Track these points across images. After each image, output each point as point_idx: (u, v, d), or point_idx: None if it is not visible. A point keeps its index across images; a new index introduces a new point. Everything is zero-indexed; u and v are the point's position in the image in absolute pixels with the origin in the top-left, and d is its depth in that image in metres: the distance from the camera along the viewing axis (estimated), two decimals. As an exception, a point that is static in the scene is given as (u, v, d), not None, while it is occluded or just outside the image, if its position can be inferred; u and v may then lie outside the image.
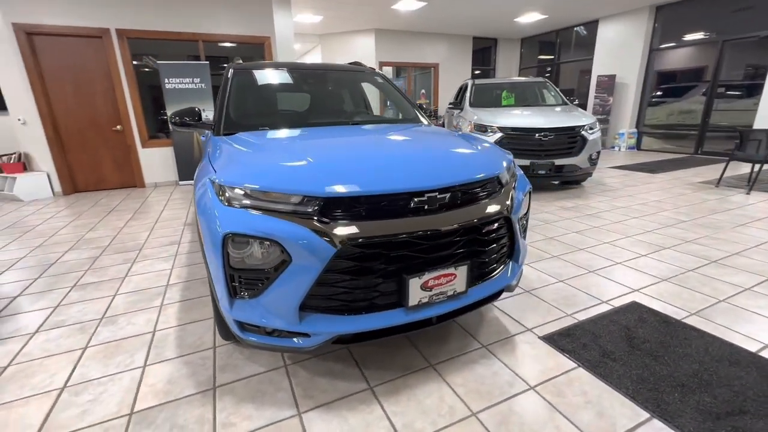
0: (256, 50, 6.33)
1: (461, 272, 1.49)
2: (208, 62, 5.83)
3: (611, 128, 8.94)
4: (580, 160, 4.68)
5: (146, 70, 5.80)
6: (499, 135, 4.68)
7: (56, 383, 1.65)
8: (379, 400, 1.50)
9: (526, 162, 4.62)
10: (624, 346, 1.79)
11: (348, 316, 1.39)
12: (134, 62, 5.60)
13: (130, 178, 6.01)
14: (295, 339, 1.40)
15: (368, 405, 1.48)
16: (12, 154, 5.45)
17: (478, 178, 1.54)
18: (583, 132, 4.65)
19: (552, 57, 10.58)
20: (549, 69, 10.71)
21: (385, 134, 1.97)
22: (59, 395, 1.58)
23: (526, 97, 5.97)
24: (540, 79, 6.08)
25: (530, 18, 8.77)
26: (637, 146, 8.75)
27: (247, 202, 1.36)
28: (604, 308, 2.13)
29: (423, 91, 10.58)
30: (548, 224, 3.63)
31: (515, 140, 4.65)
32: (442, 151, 1.72)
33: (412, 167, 1.49)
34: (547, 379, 1.60)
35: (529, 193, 1.91)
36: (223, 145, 1.83)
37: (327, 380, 1.62)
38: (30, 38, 5.04)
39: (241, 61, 2.69)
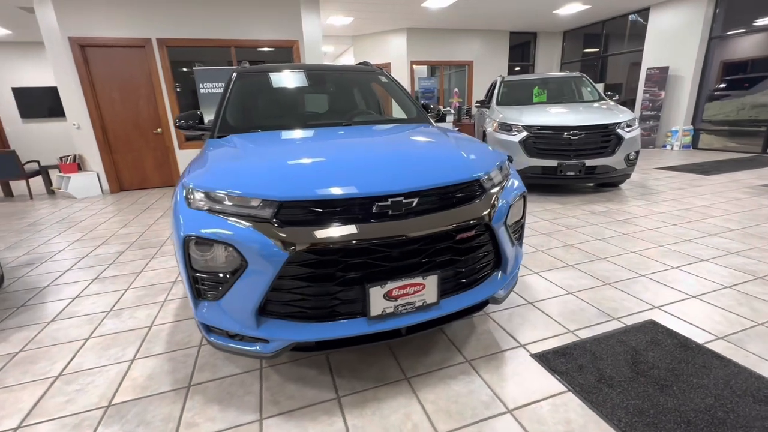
0: (285, 53, 6.50)
1: (430, 282, 1.39)
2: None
3: (662, 125, 8.18)
4: (614, 161, 4.31)
5: (186, 71, 6.15)
6: (524, 134, 4.43)
7: (53, 371, 1.77)
8: (343, 412, 1.45)
9: (554, 163, 4.33)
10: (626, 371, 1.59)
11: (306, 324, 1.35)
12: (184, 69, 5.97)
13: (168, 177, 6.41)
14: (255, 344, 1.38)
15: (331, 416, 1.43)
16: (68, 155, 6.02)
17: (452, 182, 1.44)
18: (618, 130, 4.27)
19: (597, 50, 9.88)
20: (594, 63, 10.02)
21: (368, 136, 1.91)
22: (53, 383, 1.68)
23: (559, 94, 5.60)
24: (575, 73, 5.68)
25: (571, 9, 8.25)
26: (693, 145, 7.93)
27: (209, 205, 1.36)
28: (614, 326, 1.92)
29: (456, 89, 10.32)
30: (571, 230, 3.36)
31: (542, 139, 4.37)
32: (419, 154, 1.63)
33: (380, 170, 1.42)
34: (529, 403, 1.45)
35: (523, 197, 1.76)
36: (209, 148, 1.86)
37: (297, 386, 1.60)
38: (83, 50, 5.53)
39: (247, 65, 2.75)
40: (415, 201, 1.37)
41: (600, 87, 8.85)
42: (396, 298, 1.37)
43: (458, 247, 1.46)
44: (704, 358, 1.65)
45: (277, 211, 1.30)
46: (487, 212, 1.49)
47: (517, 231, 1.77)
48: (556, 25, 9.92)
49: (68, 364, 1.82)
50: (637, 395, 1.46)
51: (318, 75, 2.63)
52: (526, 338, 1.85)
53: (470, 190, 1.51)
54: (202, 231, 1.31)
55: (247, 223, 1.29)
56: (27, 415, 1.50)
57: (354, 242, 1.28)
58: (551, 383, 1.55)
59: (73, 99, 5.67)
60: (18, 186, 6.97)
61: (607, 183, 4.89)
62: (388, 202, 1.33)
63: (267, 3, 6.08)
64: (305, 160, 1.52)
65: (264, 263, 1.26)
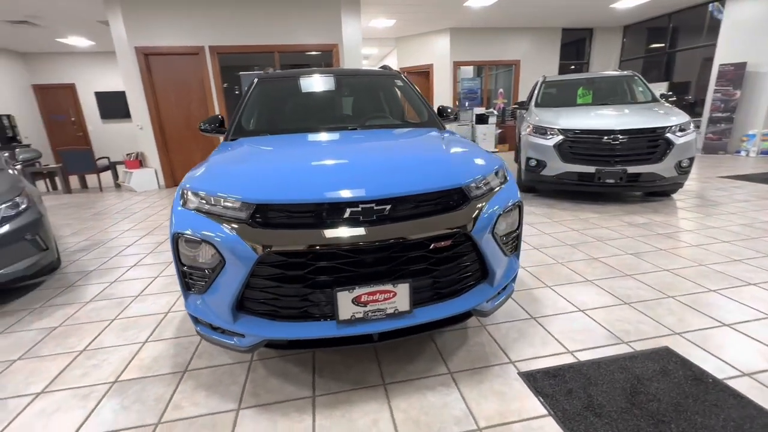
0: (326, 57, 6.71)
1: (402, 290, 1.38)
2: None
3: (736, 128, 7.28)
4: (662, 168, 3.92)
5: (234, 76, 6.58)
6: (559, 138, 4.18)
7: (79, 347, 2.00)
8: (314, 411, 1.48)
9: (591, 169, 4.03)
10: (621, 400, 1.46)
11: (278, 322, 1.41)
12: (242, 72, 6.41)
13: (215, 175, 6.89)
14: (233, 338, 1.46)
15: (301, 414, 1.48)
16: (132, 153, 6.71)
17: (428, 190, 1.41)
18: (668, 134, 3.88)
19: (663, 45, 9.02)
20: (659, 60, 9.15)
21: (363, 142, 1.92)
22: (76, 357, 1.91)
23: (608, 94, 5.20)
24: (626, 72, 5.24)
25: (630, 2, 7.61)
26: (775, 151, 6.96)
27: (199, 205, 1.47)
28: (622, 350, 1.76)
29: (501, 90, 9.98)
30: (600, 242, 3.12)
31: (579, 144, 4.09)
32: (403, 160, 1.61)
33: (356, 176, 1.44)
34: (503, 423, 1.39)
35: (518, 207, 1.68)
36: (215, 151, 1.99)
37: (278, 381, 1.66)
38: (146, 58, 6.12)
39: (271, 70, 2.88)
40: (388, 208, 1.37)
41: (663, 86, 8.08)
42: (365, 304, 1.38)
43: (434, 256, 1.44)
44: (718, 395, 1.47)
45: (253, 213, 1.36)
46: (467, 222, 1.44)
47: (511, 242, 1.69)
48: (614, 20, 9.21)
49: (92, 341, 2.04)
50: (626, 429, 1.34)
51: (333, 80, 2.70)
52: (519, 355, 1.76)
53: (449, 199, 1.47)
54: (189, 229, 1.41)
55: (227, 224, 1.37)
56: (50, 383, 1.72)
57: (321, 246, 1.31)
58: (533, 405, 1.47)
59: (137, 102, 6.30)
60: (92, 179, 7.88)
61: (656, 192, 4.46)
62: (359, 208, 1.35)
63: (309, 9, 6.31)
64: (291, 164, 1.57)
65: (238, 262, 1.33)
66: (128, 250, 3.48)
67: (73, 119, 10.36)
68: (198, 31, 6.10)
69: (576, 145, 4.11)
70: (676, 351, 1.73)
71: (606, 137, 3.95)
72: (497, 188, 1.63)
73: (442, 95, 9.67)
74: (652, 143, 3.91)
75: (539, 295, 2.30)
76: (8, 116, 8.44)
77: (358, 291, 1.35)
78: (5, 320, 2.31)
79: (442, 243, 1.42)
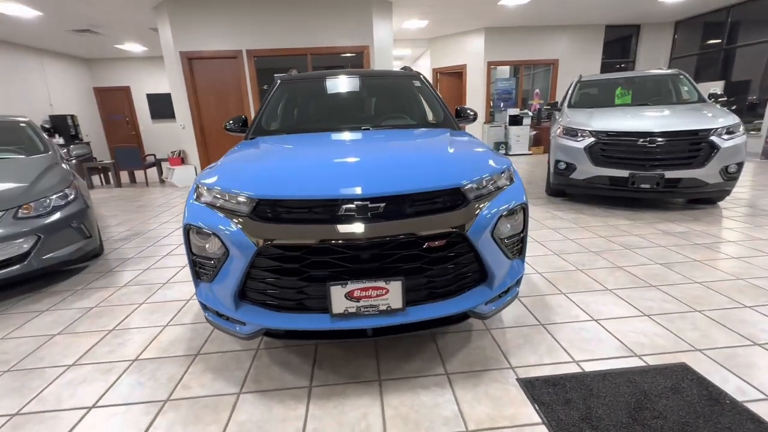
0: (356, 59, 6.82)
1: (394, 287, 1.40)
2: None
3: (804, 131, 6.58)
4: (705, 173, 3.64)
5: (268, 78, 6.85)
6: (590, 140, 3.99)
7: (110, 326, 2.18)
8: (309, 400, 1.54)
9: (625, 173, 3.82)
10: (622, 414, 1.39)
11: (276, 313, 1.47)
12: (276, 74, 6.70)
13: (249, 172, 7.21)
14: (236, 325, 1.55)
15: (297, 402, 1.53)
16: (175, 151, 7.17)
17: (424, 189, 1.42)
18: (713, 137, 3.60)
19: (719, 41, 8.34)
20: (716, 57, 8.47)
21: (370, 141, 1.95)
22: (105, 335, 2.09)
23: (649, 94, 4.89)
24: (671, 71, 4.90)
25: (682, -4, 7.11)
26: None
27: (209, 199, 1.57)
28: (633, 363, 1.67)
29: (537, 90, 9.65)
30: (628, 250, 2.96)
31: (612, 146, 3.89)
32: (403, 160, 1.63)
33: (354, 174, 1.47)
34: (493, 428, 1.37)
35: (522, 209, 1.65)
36: (232, 150, 2.10)
37: (280, 370, 1.73)
38: (190, 62, 6.52)
39: (294, 72, 2.99)
40: (382, 206, 1.40)
41: (718, 85, 7.46)
42: (358, 299, 1.41)
43: (429, 255, 1.44)
44: (735, 418, 1.36)
45: (254, 208, 1.44)
46: (463, 222, 1.43)
47: (515, 245, 1.66)
48: (664, 15, 8.64)
49: (121, 322, 2.23)
50: (623, 444, 1.27)
51: (351, 81, 2.75)
52: (521, 361, 1.72)
53: (446, 199, 1.47)
54: (198, 222, 1.51)
55: (232, 217, 1.45)
56: (80, 357, 1.90)
57: (315, 241, 1.36)
58: (527, 412, 1.43)
59: (180, 103, 6.73)
60: (140, 175, 8.49)
61: (699, 199, 4.15)
62: (354, 206, 1.38)
63: (340, 12, 6.45)
64: (294, 162, 1.64)
65: (239, 253, 1.41)
66: (163, 241, 3.74)
67: (127, 119, 11.23)
68: (237, 36, 6.42)
69: (608, 147, 3.91)
70: (694, 368, 1.62)
71: (642, 139, 3.73)
72: (500, 189, 1.61)
73: (475, 96, 9.51)
74: (693, 146, 3.64)
75: (552, 302, 2.23)
76: (72, 116, 9.28)
77: (351, 286, 1.39)
78: (52, 299, 2.56)
79: (436, 243, 1.43)
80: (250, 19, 6.35)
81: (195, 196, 1.63)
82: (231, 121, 2.68)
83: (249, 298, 1.53)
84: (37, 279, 2.89)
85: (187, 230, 1.56)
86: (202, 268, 1.58)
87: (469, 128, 9.80)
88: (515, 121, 9.18)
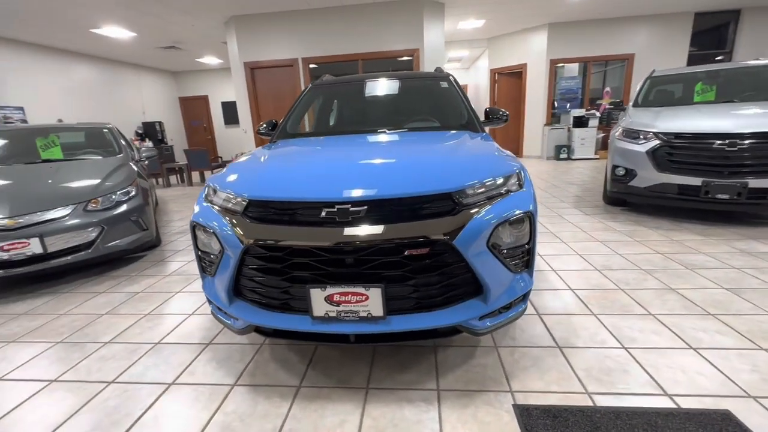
0: (406, 63, 6.81)
1: (374, 294, 1.36)
2: (363, 78, 6.70)
3: None
4: (805, 183, 3.01)
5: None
6: (654, 143, 3.53)
7: (146, 311, 2.42)
8: (294, 400, 1.55)
9: (697, 181, 3.31)
10: (629, 462, 1.19)
11: (263, 311, 1.51)
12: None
13: (302, 174, 7.58)
14: (231, 319, 1.62)
15: (282, 400, 1.56)
16: (238, 153, 7.78)
17: (409, 194, 1.36)
18: (817, 139, 2.96)
19: None
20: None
21: (377, 144, 1.93)
22: (140, 319, 2.32)
23: (738, 90, 4.19)
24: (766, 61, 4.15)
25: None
26: None
27: (213, 199, 1.66)
28: (660, 403, 1.43)
29: (608, 89, 8.80)
30: (689, 270, 2.55)
31: (680, 150, 3.40)
32: (395, 164, 1.57)
33: (340, 178, 1.46)
34: (471, 455, 1.26)
35: (528, 218, 1.50)
36: (253, 152, 2.21)
37: (276, 366, 1.78)
38: (252, 71, 7.05)
39: (327, 77, 3.07)
40: (364, 210, 1.36)
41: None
42: (338, 304, 1.39)
43: (412, 263, 1.37)
44: (781, 488, 1.09)
45: (245, 208, 1.49)
46: (450, 230, 1.34)
47: (519, 257, 1.52)
48: (772, -3, 7.36)
49: (156, 307, 2.46)
50: (621, 497, 1.09)
51: (378, 85, 2.75)
52: (523, 385, 1.57)
53: (434, 205, 1.39)
54: (201, 219, 1.61)
55: (228, 217, 1.52)
56: (115, 337, 2.13)
57: (296, 243, 1.37)
58: (515, 443, 1.29)
59: (243, 110, 7.29)
60: (209, 174, 9.35)
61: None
62: (335, 209, 1.37)
63: (391, 16, 6.49)
64: (292, 165, 1.67)
65: (231, 250, 1.47)
66: (212, 236, 4.06)
67: (204, 125, 12.47)
68: (293, 45, 6.79)
69: (676, 151, 3.42)
70: (740, 419, 1.33)
71: (718, 142, 3.20)
72: (502, 196, 1.48)
73: (535, 97, 8.96)
74: (789, 150, 3.03)
75: (578, 323, 2.00)
76: (160, 123, 10.56)
77: (331, 290, 1.37)
78: (110, 282, 2.92)
79: (419, 251, 1.35)
80: (305, 28, 6.67)
81: (204, 196, 1.74)
82: (264, 125, 2.82)
83: (242, 295, 1.59)
84: (101, 264, 3.31)
85: (193, 227, 1.67)
86: (205, 264, 1.68)
87: (528, 130, 9.27)
88: (580, 122, 8.48)
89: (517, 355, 1.77)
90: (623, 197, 4.00)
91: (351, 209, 1.36)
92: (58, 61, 8.06)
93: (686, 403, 1.43)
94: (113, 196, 3.12)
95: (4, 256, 2.60)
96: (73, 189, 3.00)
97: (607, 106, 8.46)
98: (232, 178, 1.66)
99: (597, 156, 8.58)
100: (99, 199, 3.02)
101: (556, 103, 9.00)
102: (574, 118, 8.50)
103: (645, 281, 2.44)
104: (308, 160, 1.71)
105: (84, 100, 8.69)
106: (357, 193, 1.37)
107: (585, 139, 8.47)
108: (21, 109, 7.35)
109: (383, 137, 2.11)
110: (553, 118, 9.06)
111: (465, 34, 9.07)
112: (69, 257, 2.83)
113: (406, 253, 1.35)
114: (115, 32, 7.17)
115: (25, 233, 2.65)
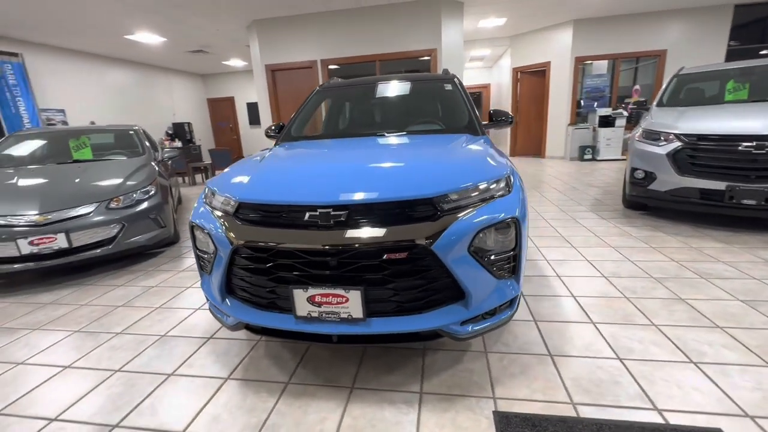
0: (424, 63, 6.79)
1: (354, 296, 1.39)
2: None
3: None
4: (842, 189, 2.79)
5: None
6: (675, 145, 3.36)
7: (158, 304, 2.56)
8: (280, 396, 1.61)
9: (720, 185, 3.13)
10: (603, 476, 1.17)
11: (252, 309, 1.57)
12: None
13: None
14: (224, 316, 1.69)
15: (270, 395, 1.61)
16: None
17: (388, 199, 1.38)
18: None
19: None
20: None
21: (370, 148, 1.95)
22: (150, 312, 2.45)
23: (775, 88, 3.93)
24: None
25: None
26: None
27: (210, 200, 1.74)
28: (647, 417, 1.38)
29: (637, 87, 8.42)
30: (704, 279, 2.42)
31: (703, 152, 3.22)
32: (379, 169, 1.59)
33: (325, 182, 1.50)
34: (444, 459, 1.27)
35: (513, 223, 1.49)
36: (254, 154, 2.29)
37: (269, 363, 1.84)
38: (273, 73, 7.23)
39: (337, 80, 3.13)
40: (344, 214, 1.39)
41: None
42: (320, 305, 1.43)
43: (391, 267, 1.39)
44: None
45: (236, 210, 1.56)
46: (429, 235, 1.35)
47: (503, 263, 1.51)
48: (823, -15, 6.80)
49: (167, 301, 2.59)
50: None
51: (381, 88, 2.77)
52: (508, 392, 1.55)
53: (414, 210, 1.40)
54: (198, 220, 1.69)
55: (220, 218, 1.60)
56: (126, 328, 2.26)
57: (279, 244, 1.42)
58: (489, 450, 1.29)
59: (265, 111, 7.49)
60: (235, 174, 9.66)
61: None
62: (317, 213, 1.41)
63: (408, 17, 6.49)
64: (282, 168, 1.73)
65: (222, 250, 1.54)
66: (228, 234, 4.22)
67: (231, 125, 12.89)
68: (312, 47, 6.91)
69: (699, 153, 3.25)
70: (732, 438, 1.27)
71: (745, 144, 3.01)
72: (486, 201, 1.48)
73: (559, 96, 8.70)
74: (824, 154, 2.82)
75: (575, 331, 1.95)
76: (188, 123, 11.01)
77: (312, 291, 1.42)
78: (128, 276, 3.10)
79: (398, 255, 1.37)
80: (324, 30, 6.78)
81: (203, 197, 1.82)
82: (272, 127, 2.91)
83: (233, 293, 1.66)
84: (122, 259, 3.51)
85: (192, 228, 1.75)
86: (202, 263, 1.76)
87: (552, 130, 9.02)
88: (606, 122, 8.16)
89: (506, 361, 1.75)
90: (642, 201, 3.84)
91: (332, 213, 1.40)
92: (95, 66, 8.57)
93: (676, 419, 1.37)
94: (134, 195, 3.30)
95: (34, 249, 2.81)
96: (97, 188, 3.20)
97: (631, 106, 8.09)
98: (227, 180, 1.73)
99: (624, 157, 8.23)
100: (120, 197, 3.21)
101: (583, 101, 8.70)
102: (600, 117, 8.19)
103: (654, 290, 2.34)
104: (299, 164, 1.76)
105: (119, 102, 9.20)
106: (338, 197, 1.40)
107: (611, 139, 8.15)
108: (62, 111, 7.87)
109: (379, 141, 2.14)
110: (578, 117, 8.77)
111: (486, 33, 8.93)
112: (92, 252, 3.02)
113: (385, 257, 1.38)
114: (147, 38, 7.55)
115: (52, 229, 2.85)
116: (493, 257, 1.47)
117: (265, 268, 1.49)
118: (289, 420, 1.47)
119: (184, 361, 1.89)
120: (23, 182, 3.17)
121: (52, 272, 3.28)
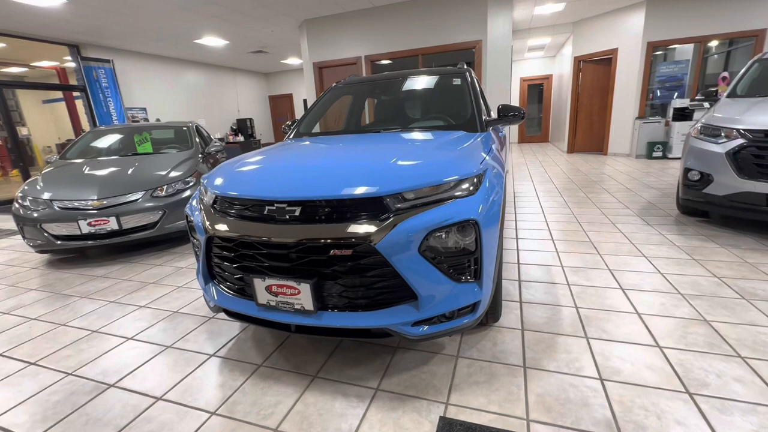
0: (466, 55, 6.57)
1: (305, 289, 1.44)
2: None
3: None
4: None
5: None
6: (738, 143, 2.89)
7: (180, 283, 2.85)
8: (249, 377, 1.72)
9: (791, 190, 2.64)
10: (528, 499, 1.09)
11: (225, 294, 1.70)
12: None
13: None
14: (208, 299, 1.85)
15: (241, 375, 1.74)
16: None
17: (338, 197, 1.40)
18: None
19: None
20: None
21: (357, 144, 1.97)
22: (172, 291, 2.74)
23: None
24: None
25: None
26: None
27: (201, 193, 1.90)
28: (607, 446, 1.26)
29: (725, 74, 7.28)
30: (744, 300, 2.08)
31: (772, 152, 2.73)
32: (347, 165, 1.60)
33: (289, 178, 1.56)
34: (373, 456, 1.28)
35: (472, 225, 1.43)
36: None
37: (250, 345, 1.98)
38: (320, 71, 7.50)
39: (353, 76, 3.18)
40: (298, 210, 1.45)
41: None
42: (276, 294, 1.51)
43: (339, 264, 1.42)
44: None
45: (213, 202, 1.69)
46: (373, 234, 1.35)
47: (461, 266, 1.46)
48: None
49: (187, 282, 2.88)
50: None
51: (394, 84, 2.76)
52: (463, 399, 1.50)
53: (364, 208, 1.40)
54: (189, 210, 1.87)
55: (203, 210, 1.74)
56: (149, 303, 2.57)
57: (240, 235, 1.52)
58: (421, 454, 1.27)
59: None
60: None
61: None
62: (274, 207, 1.48)
63: (452, 8, 6.30)
64: (264, 164, 1.82)
65: (201, 238, 1.69)
66: (262, 223, 4.52)
67: (288, 121, 13.62)
68: (357, 44, 7.03)
69: (765, 153, 2.76)
70: (699, 483, 1.11)
71: (827, 143, 2.50)
72: (443, 201, 1.43)
73: (628, 85, 7.85)
74: None
75: (562, 345, 1.81)
76: (250, 119, 11.87)
77: (269, 281, 1.50)
78: (167, 257, 3.49)
79: (343, 252, 1.39)
80: (368, 27, 6.86)
81: (199, 190, 2.00)
82: (288, 123, 3.05)
83: (214, 279, 1.80)
84: (164, 242, 3.94)
85: (186, 216, 1.93)
86: (195, 249, 1.94)
87: (616, 124, 8.21)
88: (683, 115, 7.20)
89: (474, 368, 1.68)
90: (696, 206, 3.36)
91: (287, 208, 1.46)
92: (170, 68, 9.60)
93: (641, 453, 1.23)
94: (176, 185, 3.69)
95: (92, 229, 3.29)
96: (146, 178, 3.63)
97: (697, 97, 7.01)
98: (214, 175, 1.88)
99: (702, 155, 7.20)
100: (164, 186, 3.61)
101: (658, 92, 7.76)
102: (675, 109, 7.25)
103: (675, 308, 2.07)
104: (275, 161, 1.85)
105: (191, 100, 10.21)
106: (293, 193, 1.46)
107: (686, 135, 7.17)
108: (144, 109, 8.96)
109: (366, 139, 2.15)
110: (652, 109, 7.84)
111: (544, 20, 8.33)
112: (138, 234, 3.45)
113: (332, 253, 1.41)
114: (212, 41, 8.27)
115: (107, 212, 3.31)
116: (449, 259, 1.43)
117: (232, 257, 1.60)
118: (248, 399, 1.58)
119: (183, 336, 2.11)
120: (89, 172, 3.71)
121: (110, 250, 3.80)
